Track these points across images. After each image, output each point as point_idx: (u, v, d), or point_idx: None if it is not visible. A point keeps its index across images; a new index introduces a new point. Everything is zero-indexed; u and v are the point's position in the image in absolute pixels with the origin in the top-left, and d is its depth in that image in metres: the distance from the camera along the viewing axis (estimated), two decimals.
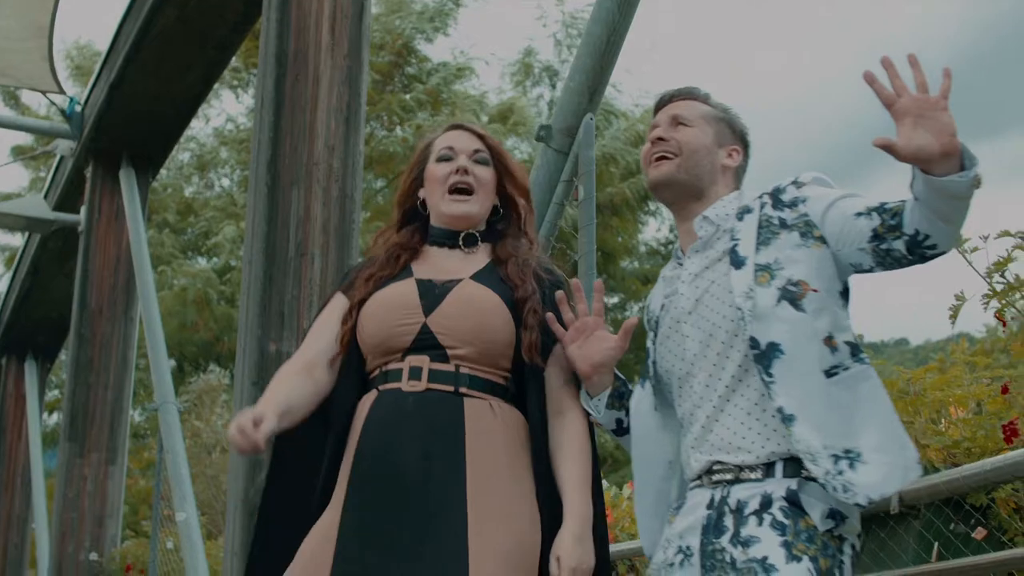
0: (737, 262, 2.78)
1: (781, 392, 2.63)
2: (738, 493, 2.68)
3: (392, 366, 2.89)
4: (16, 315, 14.32)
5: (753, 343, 2.69)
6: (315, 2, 5.82)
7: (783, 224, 2.80)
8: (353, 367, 2.98)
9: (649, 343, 2.98)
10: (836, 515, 2.62)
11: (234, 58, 10.94)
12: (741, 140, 3.06)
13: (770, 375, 2.66)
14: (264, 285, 5.44)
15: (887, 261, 2.68)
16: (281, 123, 5.64)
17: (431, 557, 2.66)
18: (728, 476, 2.71)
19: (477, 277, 2.96)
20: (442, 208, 3.06)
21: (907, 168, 2.46)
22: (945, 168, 2.43)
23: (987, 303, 3.36)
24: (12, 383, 15.01)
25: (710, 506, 2.70)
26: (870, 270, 2.73)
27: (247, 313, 5.51)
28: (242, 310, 5.63)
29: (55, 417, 24.07)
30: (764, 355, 2.67)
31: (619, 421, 3.02)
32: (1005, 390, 3.57)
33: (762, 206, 2.85)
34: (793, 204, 2.82)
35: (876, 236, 2.65)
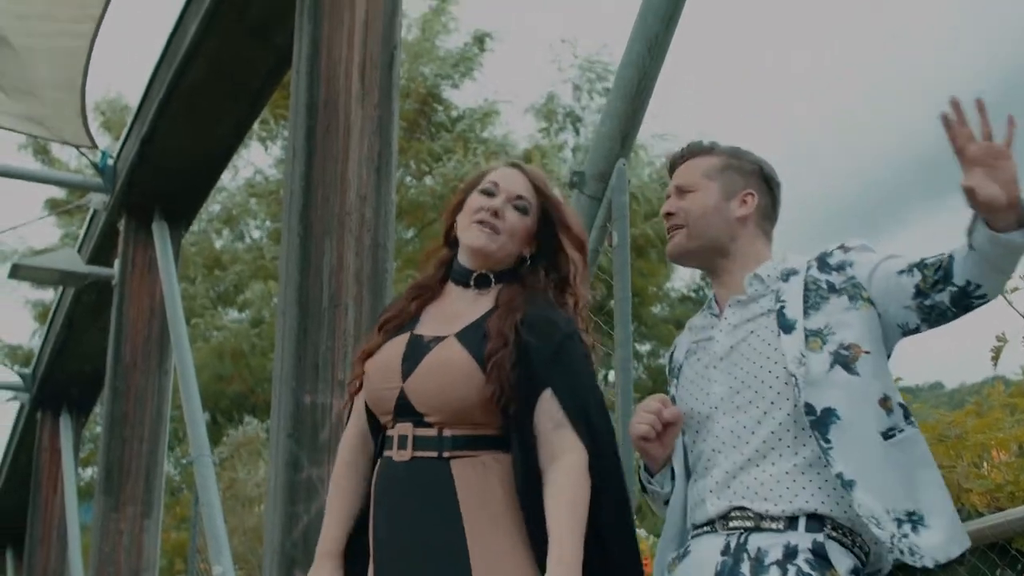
0: (787, 326, 2.77)
1: (839, 458, 2.63)
2: (758, 541, 2.67)
3: (388, 431, 2.91)
4: (50, 369, 14.36)
5: (809, 409, 2.68)
6: (345, 51, 5.84)
7: (832, 288, 2.81)
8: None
9: (672, 389, 2.98)
10: (858, 571, 2.64)
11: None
12: (757, 179, 3.03)
13: (828, 441, 2.65)
14: (298, 336, 5.43)
15: (932, 316, 2.69)
16: (312, 173, 5.65)
17: None
18: (748, 523, 2.69)
19: (463, 333, 2.91)
20: (463, 236, 3.04)
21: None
22: (1007, 218, 2.43)
23: None
24: (47, 438, 15.03)
25: (725, 552, 2.69)
26: (916, 329, 2.74)
27: (282, 364, 5.49)
28: (276, 361, 5.61)
29: (90, 471, 24.15)
30: (820, 421, 2.67)
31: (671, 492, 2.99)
32: None
33: (808, 268, 2.85)
34: (841, 268, 2.83)
35: (919, 292, 2.67)
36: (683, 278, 24.74)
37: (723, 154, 3.05)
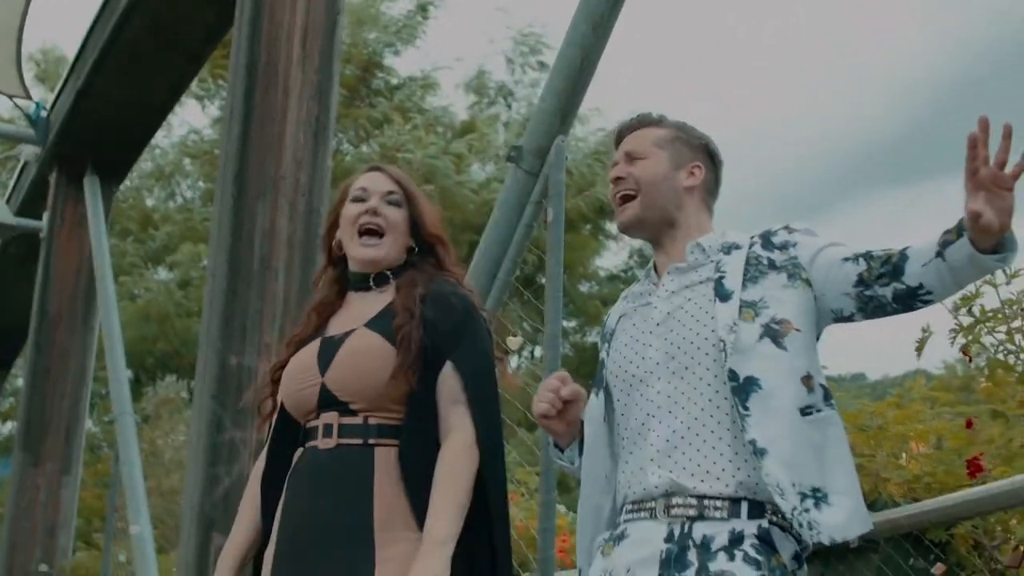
0: (723, 295, 2.80)
1: (754, 426, 2.64)
2: (703, 529, 2.65)
3: (311, 423, 2.95)
4: None
5: (732, 375, 2.70)
6: (287, 15, 5.81)
7: (772, 265, 2.83)
8: (291, 426, 3.05)
9: (603, 354, 2.98)
10: (799, 558, 2.65)
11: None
12: (703, 153, 3.06)
13: (746, 408, 2.67)
14: (227, 297, 5.41)
15: (869, 308, 2.72)
16: (250, 135, 5.61)
17: None
18: (691, 512, 2.68)
19: (372, 322, 2.97)
20: (352, 252, 3.10)
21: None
22: (988, 241, 2.47)
23: (954, 338, 3.37)
24: None
25: (669, 540, 2.67)
26: (850, 317, 2.78)
27: (209, 325, 5.47)
28: (204, 322, 5.59)
29: (9, 425, 23.88)
30: (741, 388, 2.69)
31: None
32: (969, 424, 3.58)
33: (751, 245, 2.88)
34: (784, 247, 2.85)
35: (862, 281, 2.70)
36: (613, 256, 24.84)
37: (671, 127, 3.08)
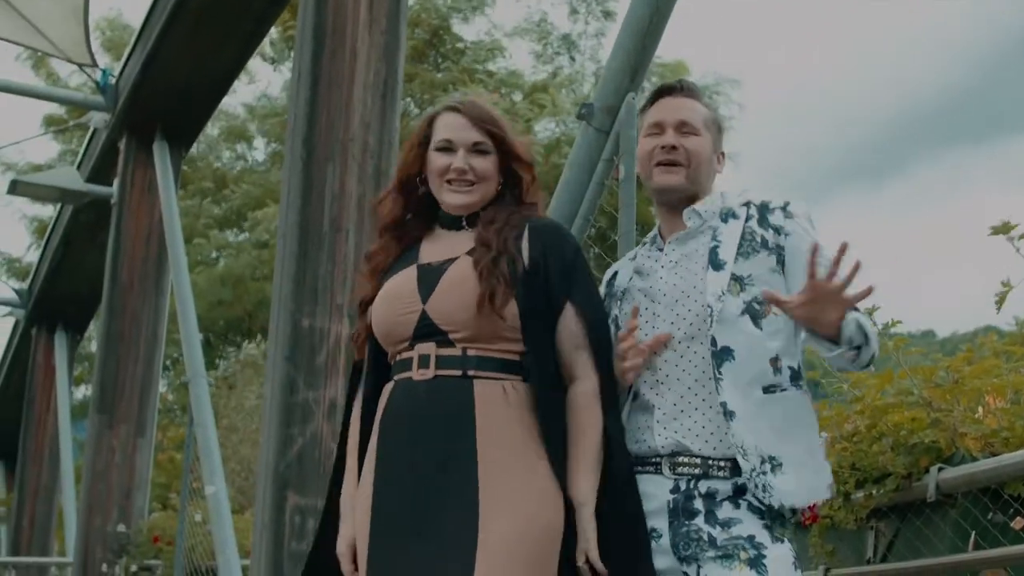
0: (716, 264, 2.94)
1: (725, 389, 2.84)
2: (707, 484, 2.84)
3: (404, 355, 2.91)
4: (47, 287, 14.40)
5: (712, 341, 2.87)
6: None
7: (764, 244, 2.96)
8: (381, 359, 3.03)
9: (615, 311, 3.06)
10: (794, 511, 2.86)
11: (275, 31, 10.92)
12: (722, 140, 3.16)
13: (720, 373, 2.85)
14: (298, 260, 5.45)
15: None
16: (318, 98, 5.63)
17: (443, 551, 2.71)
18: (696, 471, 2.85)
19: (473, 252, 2.93)
20: (443, 198, 3.05)
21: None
22: (825, 332, 2.71)
23: None
24: (42, 354, 15.11)
25: (675, 491, 2.85)
26: None
27: (280, 287, 5.51)
28: (276, 284, 5.63)
29: (82, 390, 24.22)
30: (718, 354, 2.87)
31: None
32: None
33: (748, 218, 3.00)
34: (778, 230, 2.98)
35: None
36: None
37: (711, 108, 3.16)
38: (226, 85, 10.14)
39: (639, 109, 3.19)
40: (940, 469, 3.67)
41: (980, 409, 3.95)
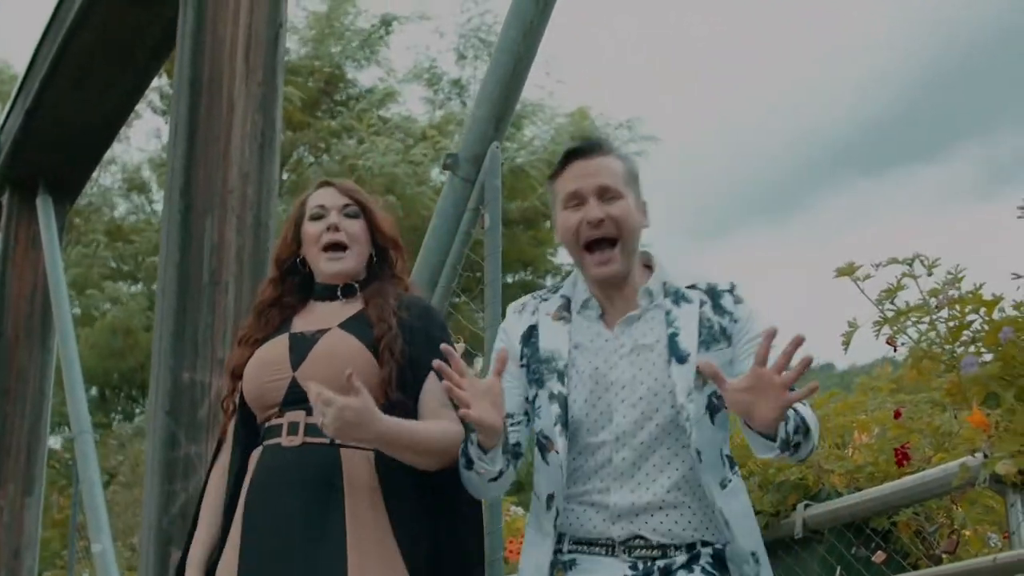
0: (680, 357, 2.79)
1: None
2: (665, 562, 2.78)
3: (273, 421, 2.97)
4: None
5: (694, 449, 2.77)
6: (230, 28, 5.79)
7: (723, 333, 2.84)
8: (251, 426, 3.07)
9: (557, 384, 2.84)
10: None
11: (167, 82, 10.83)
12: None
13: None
14: (178, 313, 5.40)
15: None
16: (195, 150, 5.60)
17: None
18: (654, 554, 2.78)
19: (345, 324, 3.03)
20: (320, 267, 3.16)
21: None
22: (763, 429, 2.60)
23: (878, 330, 3.42)
24: None
25: (634, 568, 2.77)
26: None
27: (161, 341, 5.46)
28: (156, 338, 5.58)
29: None
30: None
31: (500, 471, 2.84)
32: (897, 415, 3.64)
33: (702, 304, 2.85)
34: (731, 318, 2.85)
35: None
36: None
37: (623, 158, 2.95)
38: (110, 137, 10.01)
39: (548, 176, 2.98)
40: (807, 506, 3.75)
41: (848, 446, 4.05)
